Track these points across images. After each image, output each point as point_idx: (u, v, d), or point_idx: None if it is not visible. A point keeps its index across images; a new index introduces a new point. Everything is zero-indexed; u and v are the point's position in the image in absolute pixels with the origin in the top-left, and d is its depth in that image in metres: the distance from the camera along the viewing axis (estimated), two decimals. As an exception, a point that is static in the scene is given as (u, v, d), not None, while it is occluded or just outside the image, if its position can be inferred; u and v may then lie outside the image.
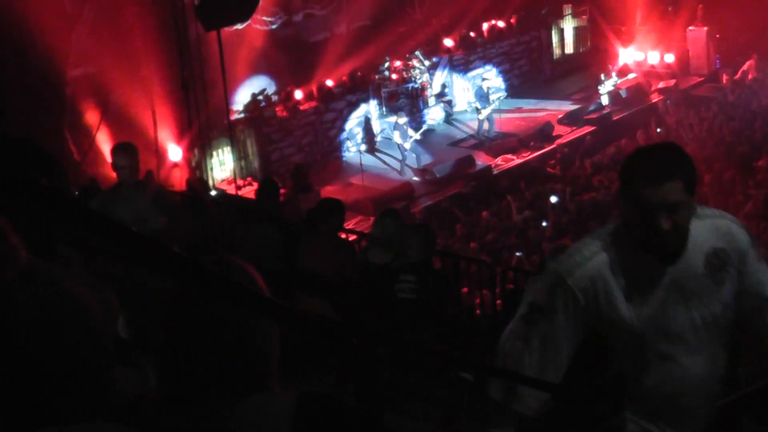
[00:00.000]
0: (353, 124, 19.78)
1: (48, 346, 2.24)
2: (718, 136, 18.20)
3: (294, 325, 1.89)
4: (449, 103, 21.67)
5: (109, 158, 7.26)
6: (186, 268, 1.61)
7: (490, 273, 8.45)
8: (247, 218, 7.40)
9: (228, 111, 16.80)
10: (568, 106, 21.67)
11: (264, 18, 18.24)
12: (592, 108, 21.05)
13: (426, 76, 20.83)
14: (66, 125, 14.49)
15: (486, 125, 20.08)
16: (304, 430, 1.79)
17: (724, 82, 22.73)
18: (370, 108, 20.07)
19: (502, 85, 22.79)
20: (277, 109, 18.45)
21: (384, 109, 20.09)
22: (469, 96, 21.41)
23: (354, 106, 19.81)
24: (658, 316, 2.85)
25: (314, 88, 19.25)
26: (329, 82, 19.42)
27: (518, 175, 17.96)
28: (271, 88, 18.72)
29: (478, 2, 22.44)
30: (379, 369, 1.93)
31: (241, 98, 18.13)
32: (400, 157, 18.51)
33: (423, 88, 20.81)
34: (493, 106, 20.06)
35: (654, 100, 21.89)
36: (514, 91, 23.00)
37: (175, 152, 16.73)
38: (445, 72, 21.84)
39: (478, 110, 20.16)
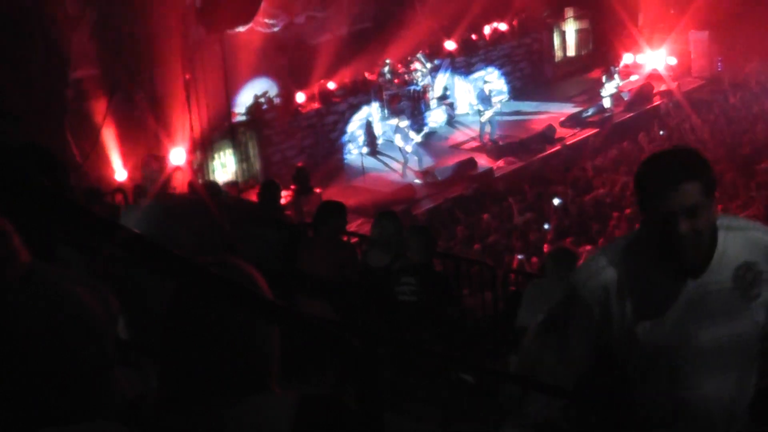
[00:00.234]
0: (355, 126, 19.79)
1: (48, 346, 2.24)
2: (719, 139, 18.21)
3: (294, 326, 1.89)
4: (451, 105, 21.68)
5: (109, 160, 7.29)
6: (186, 269, 1.62)
7: (491, 275, 8.44)
8: (248, 220, 7.40)
9: (230, 113, 16.83)
10: (569, 109, 21.68)
11: (265, 20, 18.24)
12: (589, 113, 21.02)
13: (428, 79, 20.84)
14: (68, 127, 14.49)
15: (488, 128, 20.09)
16: (304, 431, 1.79)
17: (726, 85, 22.73)
18: (372, 110, 20.08)
19: (504, 88, 22.81)
20: (278, 111, 18.46)
21: (386, 111, 20.10)
22: (471, 98, 21.42)
23: (355, 108, 19.83)
24: (677, 334, 2.66)
25: (316, 91, 19.26)
26: (331, 85, 19.43)
27: (520, 177, 17.97)
28: (272, 91, 18.72)
29: (479, 4, 22.46)
30: (379, 370, 1.93)
31: (243, 100, 18.14)
32: (401, 160, 18.52)
33: (425, 91, 20.83)
34: (494, 109, 20.07)
35: (656, 103, 21.89)
36: (515, 93, 23.03)
37: (177, 155, 16.73)
38: (447, 74, 21.86)
39: (480, 113, 20.17)
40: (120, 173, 15.02)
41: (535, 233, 14.22)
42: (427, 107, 21.00)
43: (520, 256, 12.86)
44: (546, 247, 12.91)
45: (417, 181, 18.00)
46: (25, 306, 2.27)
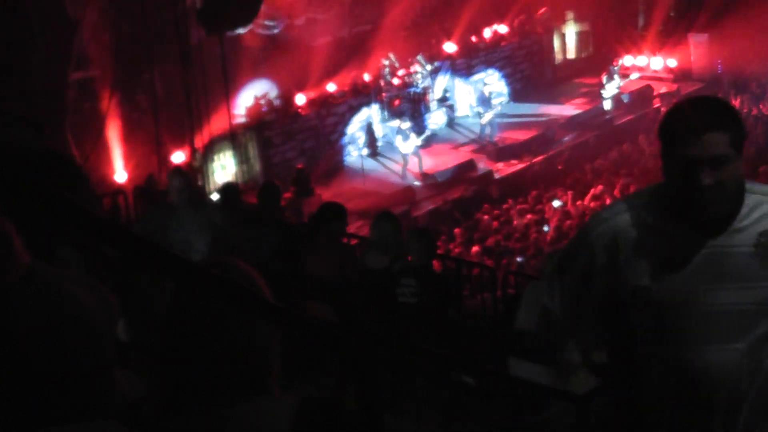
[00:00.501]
0: (355, 128, 19.80)
1: (48, 346, 2.24)
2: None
3: (295, 327, 1.89)
4: (451, 107, 21.69)
5: (110, 161, 7.29)
6: (186, 271, 1.62)
7: (491, 277, 8.45)
8: (247, 221, 7.39)
9: (230, 115, 16.83)
10: (569, 111, 21.68)
11: (266, 22, 18.26)
12: (589, 115, 21.05)
13: (428, 81, 20.85)
14: (68, 128, 14.49)
15: (488, 130, 20.10)
16: (304, 433, 1.79)
17: (726, 87, 22.73)
18: (372, 112, 20.09)
19: (504, 90, 22.82)
20: (278, 113, 18.46)
21: (386, 113, 20.11)
22: (471, 100, 21.42)
23: (356, 110, 19.84)
24: (686, 292, 2.49)
25: (316, 93, 19.26)
26: (331, 87, 19.44)
27: (520, 179, 17.98)
28: (272, 92, 18.73)
29: (480, 6, 22.47)
30: (379, 371, 1.93)
31: (243, 102, 18.15)
32: (401, 161, 18.52)
33: (425, 93, 20.83)
34: (495, 111, 20.07)
35: (656, 105, 21.90)
36: (515, 95, 23.04)
37: (177, 156, 16.74)
38: (447, 76, 21.86)
39: (479, 114, 20.17)
40: (120, 174, 15.03)
41: (535, 235, 14.22)
42: (427, 109, 21.00)
43: (519, 258, 12.86)
44: (546, 249, 12.92)
45: (417, 182, 18.01)
46: (25, 306, 2.27)
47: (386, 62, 20.15)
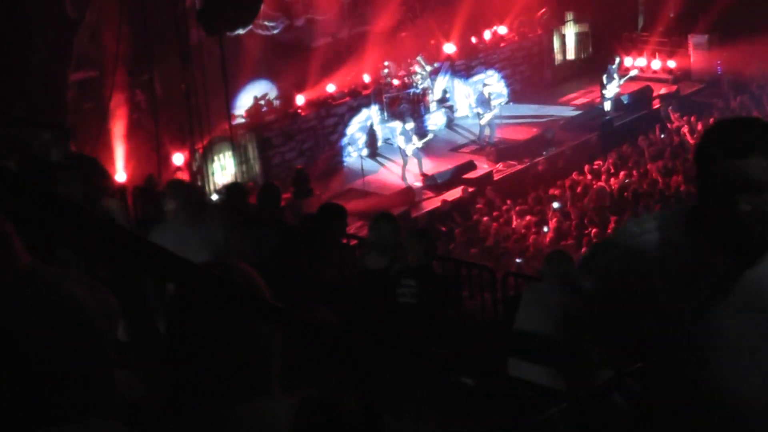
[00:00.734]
0: (354, 129, 19.80)
1: (48, 347, 2.24)
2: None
3: (294, 328, 1.89)
4: (450, 108, 21.69)
5: (110, 161, 7.29)
6: (187, 272, 1.62)
7: (491, 278, 8.46)
8: (247, 222, 7.39)
9: (229, 115, 16.83)
10: (569, 112, 21.69)
11: (265, 23, 18.27)
12: (588, 116, 21.05)
13: (427, 82, 20.85)
14: (68, 129, 14.49)
15: (487, 131, 20.09)
16: (304, 433, 1.79)
17: (726, 88, 22.73)
18: (372, 113, 20.09)
19: (504, 91, 22.82)
20: (278, 113, 18.47)
21: (385, 114, 20.11)
22: (471, 101, 21.42)
23: (355, 111, 19.84)
24: (719, 326, 2.34)
25: (315, 93, 19.27)
26: (330, 87, 19.44)
27: (519, 180, 17.98)
28: (272, 93, 18.74)
29: (480, 7, 22.48)
30: (378, 372, 1.93)
31: (243, 103, 18.16)
32: (401, 162, 18.52)
33: (424, 94, 20.83)
34: (494, 112, 20.07)
35: (656, 107, 21.90)
36: (515, 96, 23.04)
37: (176, 157, 16.75)
38: (447, 77, 21.86)
39: (479, 115, 20.17)
40: (120, 174, 15.03)
41: (534, 236, 14.22)
42: (427, 110, 21.00)
43: (518, 260, 12.86)
44: (546, 251, 12.92)
45: (416, 183, 18.01)
46: (25, 306, 2.27)
47: (386, 63, 20.15)
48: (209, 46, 16.01)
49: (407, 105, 20.17)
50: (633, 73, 22.28)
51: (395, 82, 20.30)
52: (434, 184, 17.75)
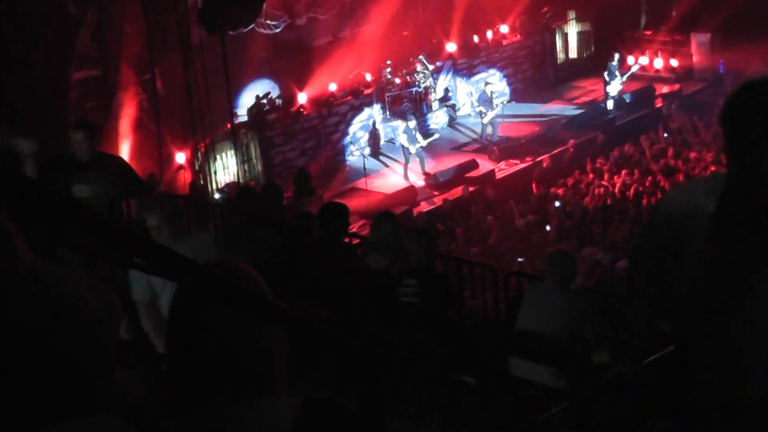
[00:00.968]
0: (357, 128, 19.80)
1: (49, 347, 2.25)
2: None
3: (296, 328, 1.89)
4: (453, 107, 21.69)
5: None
6: (190, 272, 1.62)
7: (493, 277, 8.44)
8: (250, 221, 7.40)
9: (231, 114, 16.84)
10: (571, 111, 21.68)
11: (267, 22, 18.27)
12: (591, 114, 21.04)
13: (430, 80, 20.84)
14: (70, 128, 14.50)
15: (489, 129, 20.09)
16: (305, 434, 1.79)
17: (728, 87, 22.70)
18: (374, 112, 20.09)
19: (506, 90, 22.81)
20: (280, 112, 18.47)
21: (387, 113, 20.11)
22: (473, 100, 21.42)
23: (357, 110, 19.84)
24: (758, 310, 2.08)
25: (317, 92, 19.27)
26: (332, 86, 19.44)
27: (521, 179, 17.97)
28: (274, 92, 18.75)
29: (481, 6, 22.47)
30: (379, 372, 1.93)
31: (245, 102, 18.16)
32: (403, 161, 18.54)
33: (426, 93, 20.82)
34: (496, 111, 20.06)
35: (658, 105, 21.89)
36: (517, 95, 23.03)
37: (179, 155, 16.77)
38: (449, 76, 21.86)
39: (481, 114, 20.16)
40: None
41: (537, 235, 14.21)
42: (429, 109, 20.99)
43: (520, 259, 12.85)
44: (548, 250, 12.90)
45: (419, 182, 18.01)
46: (27, 306, 2.27)
47: (388, 62, 20.15)
48: (211, 45, 16.02)
49: (409, 104, 20.16)
50: (634, 68, 22.23)
51: (397, 81, 20.29)
52: (436, 183, 17.75)
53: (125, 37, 15.56)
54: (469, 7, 22.17)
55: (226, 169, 17.38)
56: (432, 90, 21.04)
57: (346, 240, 7.95)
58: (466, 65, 22.32)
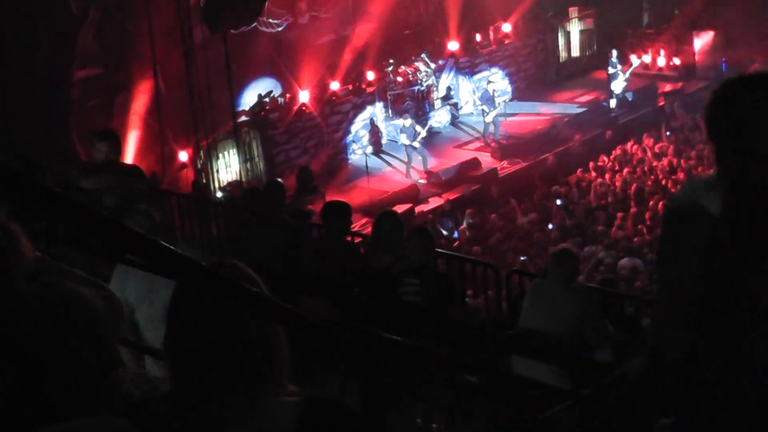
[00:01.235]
0: (359, 126, 19.80)
1: (52, 345, 2.25)
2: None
3: (298, 327, 1.90)
4: (455, 105, 21.68)
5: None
6: (194, 271, 1.62)
7: (495, 276, 8.43)
8: (253, 220, 7.40)
9: (234, 113, 16.84)
10: (573, 109, 21.66)
11: (269, 20, 18.26)
12: (593, 113, 21.03)
13: (432, 79, 20.83)
14: (72, 127, 14.52)
15: (492, 128, 20.09)
16: (308, 432, 1.79)
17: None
18: (376, 110, 20.09)
19: (508, 88, 22.80)
20: (282, 111, 18.47)
21: (390, 111, 20.11)
22: (475, 99, 21.42)
23: (360, 108, 19.83)
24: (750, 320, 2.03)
25: (320, 91, 19.27)
26: (335, 85, 19.44)
27: (524, 177, 17.97)
28: (276, 91, 18.74)
29: (484, 5, 22.46)
30: (382, 371, 1.93)
31: (247, 100, 18.15)
32: (405, 160, 18.54)
33: (429, 91, 20.82)
34: (498, 109, 20.06)
35: (660, 104, 21.87)
36: (519, 94, 23.02)
37: (181, 154, 16.77)
38: (451, 74, 21.85)
39: (483, 113, 20.16)
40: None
41: (539, 234, 14.21)
42: (431, 107, 20.99)
43: (523, 257, 12.85)
44: (550, 248, 12.90)
45: (421, 181, 18.01)
46: (31, 306, 2.28)
47: (390, 60, 20.14)
48: (213, 43, 16.01)
49: (411, 102, 20.16)
50: (635, 63, 22.19)
51: (399, 79, 20.28)
52: (438, 181, 17.74)
53: (127, 36, 15.56)
54: (472, 5, 22.15)
55: (228, 167, 17.38)
56: (434, 88, 21.03)
57: (348, 239, 7.94)
58: (469, 63, 22.31)
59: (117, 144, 7.31)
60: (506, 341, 6.49)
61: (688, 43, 23.80)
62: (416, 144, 18.36)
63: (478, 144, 20.15)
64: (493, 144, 19.75)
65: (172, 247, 1.53)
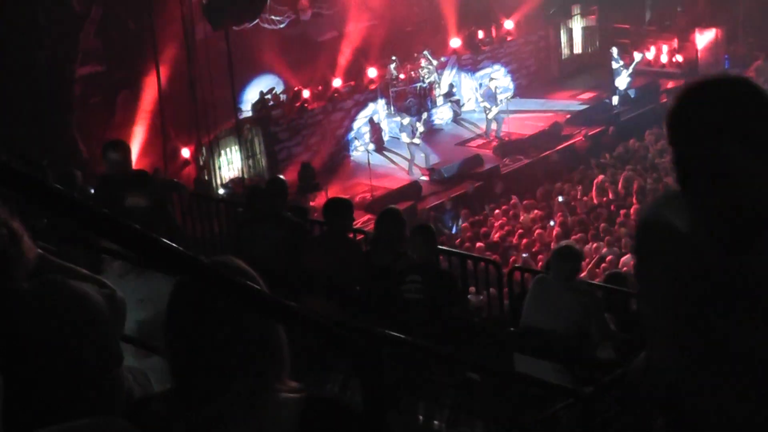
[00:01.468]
0: (361, 123, 19.80)
1: (53, 344, 2.25)
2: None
3: (299, 325, 1.89)
4: (457, 102, 21.67)
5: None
6: (196, 270, 1.62)
7: (498, 272, 8.42)
8: (255, 217, 7.40)
9: (236, 110, 16.84)
10: (576, 106, 21.64)
11: (272, 17, 18.25)
12: (596, 110, 21.02)
13: (434, 76, 20.83)
14: (74, 124, 14.53)
15: (494, 125, 20.08)
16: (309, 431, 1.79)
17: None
18: (378, 107, 20.08)
19: (510, 85, 22.78)
20: (284, 108, 18.46)
21: (392, 108, 20.10)
22: (477, 96, 21.41)
23: (362, 105, 19.82)
24: (710, 322, 1.98)
25: (322, 87, 19.27)
26: (337, 82, 19.43)
27: (526, 174, 17.96)
28: (278, 87, 18.74)
29: (486, 1, 22.44)
30: (384, 369, 1.93)
31: (249, 97, 18.15)
32: (408, 157, 18.53)
33: (431, 88, 20.81)
34: (501, 106, 20.05)
35: (663, 101, 21.83)
36: (522, 91, 22.99)
37: (183, 151, 16.78)
38: (453, 71, 21.84)
39: (486, 110, 20.15)
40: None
41: (541, 231, 14.21)
42: (434, 104, 20.98)
43: (525, 255, 12.84)
44: (552, 245, 12.89)
45: (423, 178, 18.00)
46: (32, 304, 2.28)
47: (392, 57, 20.13)
48: (215, 40, 16.01)
49: (414, 99, 20.15)
50: (638, 58, 22.18)
51: (402, 76, 20.27)
52: (441, 178, 17.73)
53: (129, 33, 15.56)
54: (474, 2, 22.13)
55: (230, 164, 17.39)
56: (436, 85, 21.02)
57: (350, 236, 7.94)
58: (471, 60, 22.30)
59: (129, 154, 7.40)
60: (508, 339, 6.49)
61: (690, 40, 23.76)
62: (417, 140, 18.37)
63: (480, 141, 20.14)
64: (495, 141, 19.74)
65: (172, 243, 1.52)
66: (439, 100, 21.22)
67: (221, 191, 16.32)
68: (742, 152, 1.90)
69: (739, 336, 1.95)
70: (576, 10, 24.81)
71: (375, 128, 19.86)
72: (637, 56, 22.32)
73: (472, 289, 8.81)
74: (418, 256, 6.38)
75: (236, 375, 1.82)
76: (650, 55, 23.90)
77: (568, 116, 20.78)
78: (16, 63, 12.91)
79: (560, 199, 15.76)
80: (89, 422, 1.81)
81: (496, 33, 23.09)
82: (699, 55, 23.66)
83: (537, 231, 14.18)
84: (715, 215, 1.96)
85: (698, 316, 2.01)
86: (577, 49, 25.15)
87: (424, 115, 19.94)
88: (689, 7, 23.89)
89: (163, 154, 15.98)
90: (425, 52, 20.66)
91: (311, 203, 15.25)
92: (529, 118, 21.06)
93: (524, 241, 13.73)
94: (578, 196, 15.93)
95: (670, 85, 22.49)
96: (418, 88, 20.40)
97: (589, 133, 19.78)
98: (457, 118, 21.58)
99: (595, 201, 15.52)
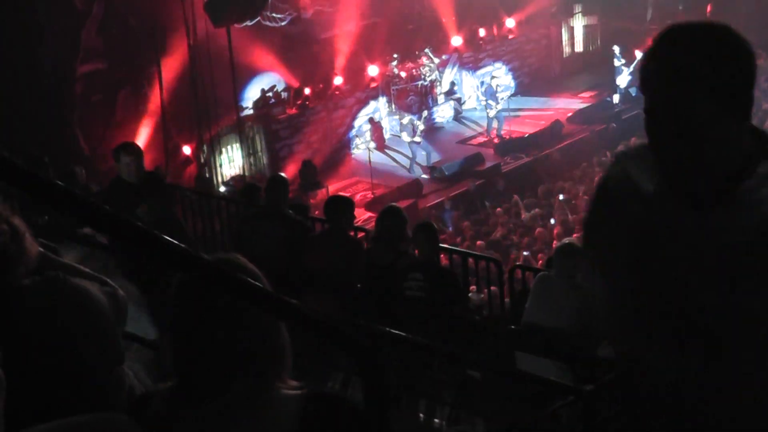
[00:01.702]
0: (362, 121, 19.80)
1: (55, 342, 2.26)
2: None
3: (301, 323, 1.89)
4: (458, 100, 21.66)
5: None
6: (198, 267, 1.62)
7: (499, 270, 8.42)
8: (256, 215, 7.40)
9: (237, 107, 16.84)
10: (577, 105, 21.64)
11: (273, 14, 18.25)
12: (596, 108, 21.02)
13: (435, 74, 20.82)
14: (76, 122, 14.53)
15: (495, 123, 20.08)
16: (311, 430, 1.79)
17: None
18: (380, 105, 20.08)
19: (512, 83, 22.78)
20: (286, 105, 18.47)
21: (393, 106, 20.10)
22: (479, 94, 21.41)
23: (363, 103, 19.83)
24: (669, 285, 1.88)
25: (323, 85, 19.27)
26: (338, 79, 19.43)
27: (527, 173, 17.96)
28: (280, 85, 18.73)
29: (487, 0, 22.45)
30: (385, 367, 1.93)
31: (251, 95, 18.15)
32: (409, 155, 18.53)
33: (432, 86, 20.81)
34: (502, 104, 20.05)
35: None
36: (523, 89, 22.99)
37: (185, 148, 16.78)
38: (455, 69, 21.84)
39: (487, 108, 20.15)
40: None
41: (542, 229, 14.21)
42: (435, 102, 20.98)
43: (525, 253, 12.84)
44: (553, 243, 12.88)
45: (424, 176, 18.00)
46: (34, 302, 2.28)
47: (394, 55, 20.13)
48: (217, 37, 16.01)
49: (415, 97, 20.15)
50: (639, 57, 22.16)
51: (403, 74, 20.27)
52: (442, 176, 17.73)
53: (131, 31, 15.56)
54: (475, 0, 22.13)
55: (231, 162, 17.39)
56: (438, 83, 21.03)
57: (351, 234, 7.94)
58: (472, 59, 22.29)
59: (142, 156, 7.40)
60: (509, 337, 6.49)
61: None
62: (418, 138, 18.37)
63: (481, 139, 20.14)
64: (496, 139, 19.73)
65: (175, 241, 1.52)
66: (441, 98, 21.22)
67: (222, 189, 16.33)
68: (711, 103, 1.81)
69: (711, 301, 1.83)
70: (577, 8, 24.81)
71: (376, 126, 19.86)
72: (639, 54, 22.27)
73: (473, 287, 8.81)
74: (420, 254, 6.38)
75: (237, 374, 1.82)
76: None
77: (570, 114, 20.78)
78: (17, 61, 12.90)
79: (561, 197, 15.76)
80: (91, 418, 1.82)
81: (497, 31, 23.09)
82: (700, 53, 23.65)
83: (538, 229, 14.18)
84: (682, 170, 1.87)
85: (666, 280, 1.90)
86: (579, 47, 25.16)
87: (425, 113, 19.98)
88: (691, 5, 23.87)
89: (164, 152, 15.99)
90: (426, 50, 20.66)
91: (312, 201, 15.25)
92: (530, 116, 21.07)
93: (525, 239, 13.72)
94: (579, 195, 15.92)
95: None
96: (419, 86, 20.40)
97: (587, 133, 19.77)
98: (458, 117, 21.58)
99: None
